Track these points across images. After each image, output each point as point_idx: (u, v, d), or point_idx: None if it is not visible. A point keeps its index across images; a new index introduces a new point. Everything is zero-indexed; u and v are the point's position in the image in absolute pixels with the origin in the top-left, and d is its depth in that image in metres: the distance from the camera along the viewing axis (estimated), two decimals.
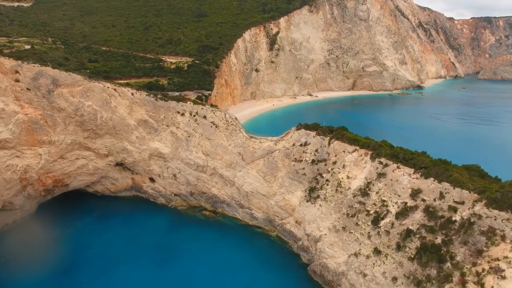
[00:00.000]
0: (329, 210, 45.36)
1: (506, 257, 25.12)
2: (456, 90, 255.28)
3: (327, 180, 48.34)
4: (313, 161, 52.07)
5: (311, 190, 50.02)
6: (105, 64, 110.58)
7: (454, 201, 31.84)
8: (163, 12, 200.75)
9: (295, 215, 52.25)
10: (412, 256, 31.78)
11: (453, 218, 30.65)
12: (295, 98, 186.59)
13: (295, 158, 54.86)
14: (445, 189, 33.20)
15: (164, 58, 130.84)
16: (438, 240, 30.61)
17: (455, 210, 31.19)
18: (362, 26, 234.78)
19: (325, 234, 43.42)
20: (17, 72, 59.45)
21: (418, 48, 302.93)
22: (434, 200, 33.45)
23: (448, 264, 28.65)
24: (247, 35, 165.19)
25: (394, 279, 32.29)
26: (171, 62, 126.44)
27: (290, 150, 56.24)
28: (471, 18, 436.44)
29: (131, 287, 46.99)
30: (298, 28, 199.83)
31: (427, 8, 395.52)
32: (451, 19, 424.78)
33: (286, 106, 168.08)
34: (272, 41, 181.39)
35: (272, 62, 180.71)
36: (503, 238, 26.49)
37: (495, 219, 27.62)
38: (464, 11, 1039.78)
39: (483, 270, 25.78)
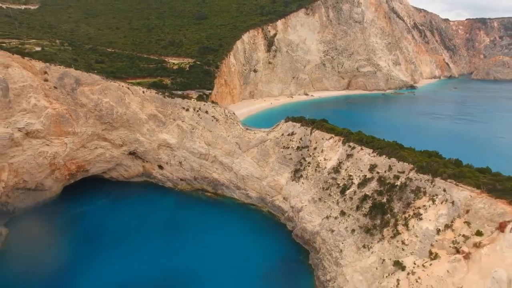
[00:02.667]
0: (309, 186, 55.28)
1: (424, 206, 34.79)
2: (448, 90, 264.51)
3: (308, 163, 58.29)
4: (298, 147, 61.99)
5: (296, 171, 59.99)
6: (111, 65, 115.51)
7: (398, 171, 41.54)
8: (165, 14, 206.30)
9: (282, 193, 62.25)
10: (366, 213, 41.55)
11: (395, 183, 40.44)
12: (291, 97, 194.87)
13: (284, 146, 64.78)
14: (393, 163, 42.93)
15: (167, 59, 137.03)
16: (384, 200, 40.42)
17: (397, 177, 40.89)
18: (356, 28, 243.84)
19: (305, 205, 53.33)
20: (45, 72, 69.10)
21: (412, 49, 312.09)
22: (385, 171, 43.17)
23: (388, 215, 38.45)
24: (245, 37, 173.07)
25: (353, 230, 42.04)
26: (173, 63, 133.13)
27: (280, 139, 66.17)
28: (466, 19, 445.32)
29: (144, 254, 55.08)
30: (295, 30, 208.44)
31: (423, 9, 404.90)
32: (446, 20, 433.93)
33: (283, 104, 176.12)
34: (270, 43, 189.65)
35: (269, 63, 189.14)
36: (425, 193, 36.19)
37: (421, 181, 37.33)
38: (462, 11, 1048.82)
39: (409, 215, 35.50)
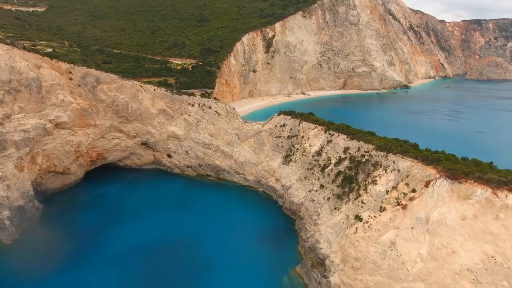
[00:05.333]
0: (297, 168, 65.79)
1: (379, 174, 45.23)
2: (440, 90, 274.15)
3: (297, 149, 68.82)
4: (288, 136, 72.54)
5: (286, 156, 70.55)
6: (118, 66, 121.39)
7: (364, 151, 51.89)
8: (168, 16, 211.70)
9: (275, 175, 72.81)
10: (339, 184, 52.05)
11: (361, 160, 50.87)
12: (289, 96, 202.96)
13: (276, 135, 75.32)
14: (361, 145, 53.31)
15: (170, 60, 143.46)
16: (352, 173, 50.86)
17: (363, 156, 51.28)
18: (352, 30, 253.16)
19: (293, 183, 63.83)
20: (70, 72, 79.54)
21: (407, 50, 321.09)
22: (355, 152, 53.57)
23: (354, 183, 48.95)
24: (245, 38, 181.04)
25: (328, 198, 52.51)
26: (177, 63, 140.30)
27: (273, 130, 76.70)
28: (462, 21, 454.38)
29: (156, 225, 64.54)
30: (292, 32, 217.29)
31: (419, 11, 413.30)
32: (442, 21, 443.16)
33: (281, 103, 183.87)
34: (268, 44, 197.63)
35: (268, 63, 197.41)
36: (380, 165, 46.64)
37: (378, 156, 47.77)
38: (460, 12, 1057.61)
39: (368, 182, 45.96)
